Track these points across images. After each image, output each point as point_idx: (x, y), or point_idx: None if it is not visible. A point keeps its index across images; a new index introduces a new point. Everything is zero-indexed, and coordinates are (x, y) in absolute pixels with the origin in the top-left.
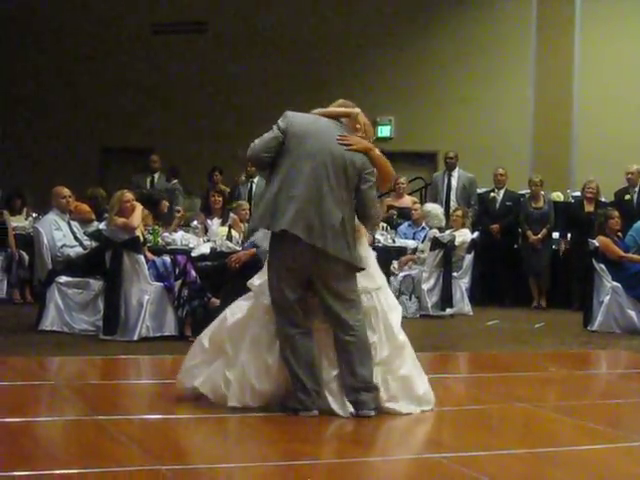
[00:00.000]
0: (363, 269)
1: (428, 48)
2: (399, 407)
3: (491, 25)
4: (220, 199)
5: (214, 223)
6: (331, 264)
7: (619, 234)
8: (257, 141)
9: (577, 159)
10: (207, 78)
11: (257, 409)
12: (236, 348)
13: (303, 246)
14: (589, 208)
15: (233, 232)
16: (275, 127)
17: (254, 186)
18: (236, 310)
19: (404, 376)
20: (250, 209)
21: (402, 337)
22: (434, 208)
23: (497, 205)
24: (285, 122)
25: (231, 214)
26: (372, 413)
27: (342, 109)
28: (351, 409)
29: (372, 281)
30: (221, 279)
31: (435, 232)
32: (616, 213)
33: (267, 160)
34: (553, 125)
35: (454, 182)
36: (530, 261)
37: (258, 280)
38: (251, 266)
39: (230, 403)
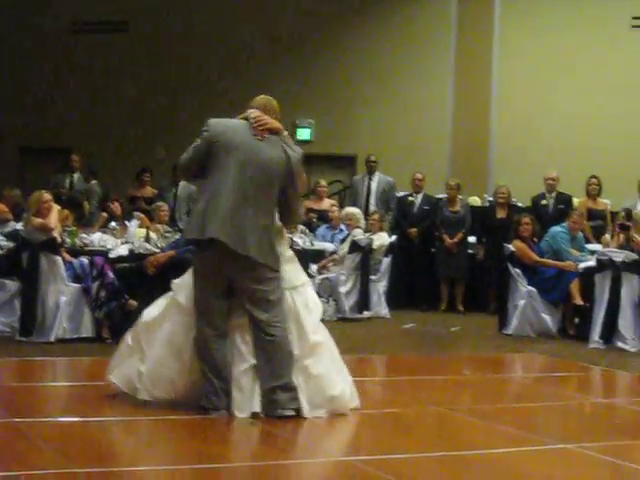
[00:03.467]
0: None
1: (348, 51)
2: (310, 408)
3: (411, 28)
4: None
5: (132, 225)
6: (255, 269)
7: (534, 239)
8: (184, 154)
9: (495, 164)
10: (128, 78)
11: (172, 411)
12: (150, 344)
13: (228, 252)
14: (501, 213)
15: (151, 234)
16: (200, 139)
17: (179, 189)
18: (154, 307)
19: (317, 375)
20: (173, 211)
21: (317, 337)
22: (355, 211)
23: (415, 209)
24: (210, 131)
25: (135, 213)
26: (288, 413)
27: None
28: (257, 409)
29: (295, 278)
30: (139, 281)
31: (359, 232)
32: (527, 219)
33: (195, 172)
34: (471, 130)
35: (374, 185)
36: (446, 265)
37: (178, 280)
38: (169, 268)
39: (140, 396)
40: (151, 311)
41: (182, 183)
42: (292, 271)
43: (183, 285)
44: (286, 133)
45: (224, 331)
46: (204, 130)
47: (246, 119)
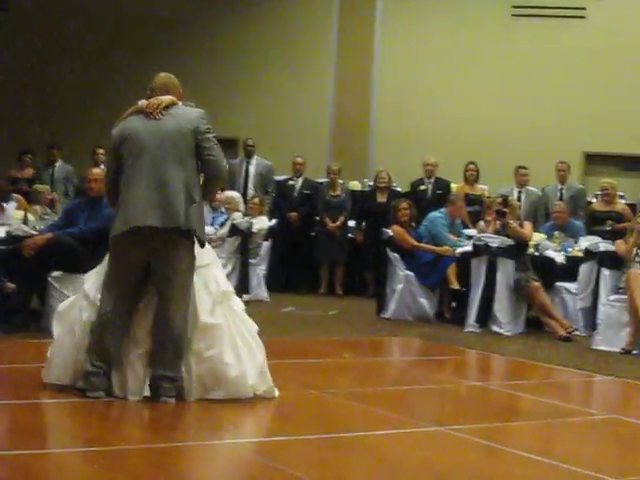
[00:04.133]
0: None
1: (230, 35)
2: (203, 390)
3: (293, 14)
4: None
5: (10, 206)
6: (172, 243)
7: (413, 224)
8: (105, 173)
9: (375, 149)
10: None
11: (60, 394)
12: (60, 330)
13: (153, 235)
14: (381, 198)
15: (29, 216)
16: (109, 154)
17: (56, 170)
18: (68, 299)
19: (209, 358)
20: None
21: (213, 319)
22: (235, 195)
23: (295, 193)
24: (113, 139)
25: (13, 195)
26: (171, 400)
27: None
28: (147, 393)
29: (199, 259)
30: (17, 263)
31: (239, 216)
32: (405, 204)
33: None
34: (352, 114)
35: (252, 169)
36: (325, 249)
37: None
38: (47, 250)
39: (44, 380)
40: (65, 299)
41: (59, 163)
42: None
43: (92, 273)
44: (181, 103)
45: (128, 312)
46: (111, 142)
47: (139, 111)
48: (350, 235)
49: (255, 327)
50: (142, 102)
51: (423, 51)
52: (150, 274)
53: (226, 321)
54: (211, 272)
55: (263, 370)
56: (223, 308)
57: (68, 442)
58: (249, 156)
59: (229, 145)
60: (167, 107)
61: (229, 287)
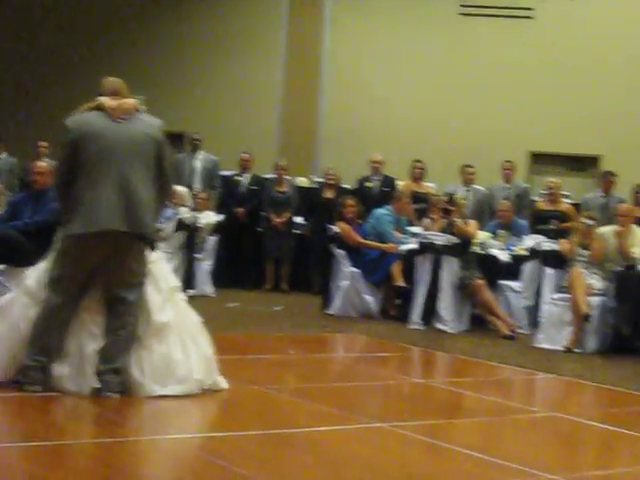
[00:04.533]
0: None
1: (178, 30)
2: (155, 387)
3: (242, 9)
4: None
5: None
6: (133, 248)
7: (359, 221)
8: (56, 166)
9: (323, 145)
10: None
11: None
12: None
13: (113, 236)
14: (328, 194)
15: None
16: (64, 144)
17: (1, 163)
18: (7, 295)
19: (161, 355)
20: None
21: (163, 317)
22: (182, 190)
23: (242, 188)
24: (71, 132)
25: None
26: (116, 395)
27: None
28: (97, 385)
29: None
30: None
31: (185, 211)
32: (351, 201)
33: (70, 176)
34: (300, 111)
35: (198, 164)
36: (272, 244)
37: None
38: None
39: None
40: (4, 297)
41: (3, 156)
42: None
43: (35, 269)
44: (143, 108)
45: (75, 308)
46: (66, 134)
47: (98, 108)
48: (297, 231)
49: (199, 319)
50: (104, 99)
51: (372, 49)
52: (100, 272)
53: (175, 317)
54: (159, 268)
55: (210, 362)
56: (172, 304)
57: (5, 437)
58: (195, 151)
59: (175, 140)
60: (128, 112)
61: (175, 281)
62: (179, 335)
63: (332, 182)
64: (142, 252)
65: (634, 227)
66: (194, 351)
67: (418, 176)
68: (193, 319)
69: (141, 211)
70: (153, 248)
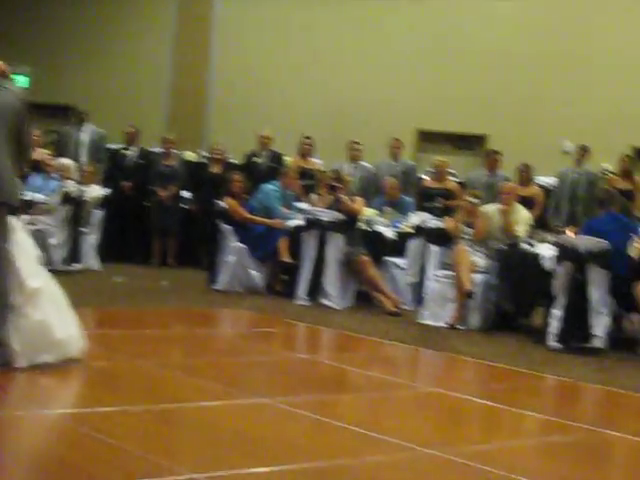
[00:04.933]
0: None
1: (67, 3)
2: (34, 354)
3: None
4: None
5: None
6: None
7: (245, 196)
8: None
9: (212, 120)
10: None
11: None
12: None
13: None
14: (216, 169)
15: None
16: None
17: None
18: None
19: (38, 321)
20: None
21: (35, 283)
22: (68, 162)
23: (129, 162)
24: None
25: None
26: None
27: None
28: None
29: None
30: None
31: (71, 184)
32: (238, 176)
33: None
34: (189, 85)
35: (84, 137)
36: (158, 219)
37: None
38: None
39: None
40: None
41: None
42: None
43: None
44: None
45: None
46: None
47: None
48: (184, 206)
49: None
50: None
51: (262, 24)
52: None
53: (46, 283)
54: (23, 236)
55: (80, 331)
56: (41, 271)
57: None
58: (81, 124)
59: (61, 111)
60: None
61: (36, 251)
62: (54, 301)
63: (218, 157)
64: (4, 218)
65: (517, 205)
66: (70, 317)
67: (306, 152)
68: (58, 289)
69: (4, 180)
70: (16, 216)
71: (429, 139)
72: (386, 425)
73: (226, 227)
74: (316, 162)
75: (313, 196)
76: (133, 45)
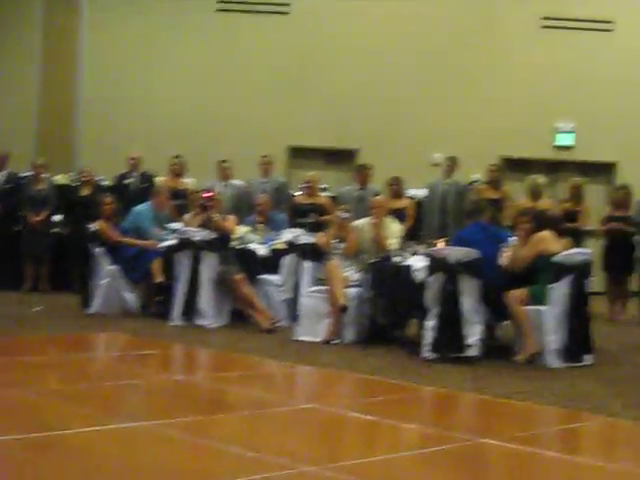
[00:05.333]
0: None
1: None
2: None
3: None
4: None
5: None
6: None
7: (117, 218)
8: None
9: (82, 142)
10: None
11: None
12: None
13: None
14: (85, 192)
15: None
16: None
17: None
18: None
19: None
20: None
21: None
22: None
23: None
24: None
25: None
26: None
27: None
28: None
29: None
30: None
31: None
32: (109, 199)
33: None
34: (58, 108)
35: None
36: (30, 244)
37: None
38: None
39: None
40: None
41: None
42: None
43: None
44: None
45: None
46: None
47: None
48: (56, 230)
49: None
50: None
51: (130, 46)
52: None
53: None
54: None
55: None
56: None
57: None
58: None
59: None
60: None
61: None
62: None
63: (87, 179)
64: None
65: (388, 219)
66: None
67: (177, 172)
68: None
69: None
70: None
71: (301, 155)
72: (264, 444)
73: (98, 250)
74: (188, 182)
75: (186, 216)
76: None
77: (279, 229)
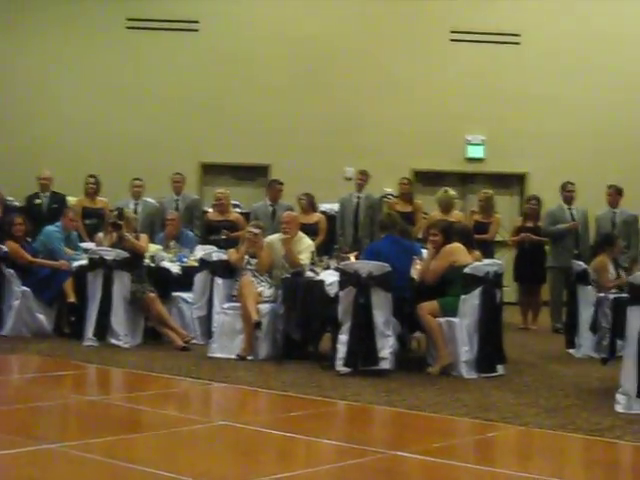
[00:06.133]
0: None
1: None
2: None
3: None
4: None
5: None
6: None
7: (28, 239)
8: None
9: None
10: None
11: None
12: None
13: None
14: None
15: None
16: None
17: None
18: None
19: None
20: None
21: None
22: None
23: None
24: None
25: None
26: None
27: None
28: None
29: None
30: None
31: None
32: (19, 219)
33: None
34: None
35: None
36: None
37: None
38: None
39: None
40: None
41: None
42: None
43: None
44: None
45: None
46: None
47: None
48: None
49: None
50: None
51: (44, 61)
52: None
53: None
54: None
55: None
56: None
57: None
58: None
59: None
60: None
61: None
62: None
63: None
64: None
65: (300, 234)
66: None
67: (91, 191)
68: None
69: None
70: None
71: (213, 172)
72: (179, 463)
73: (9, 271)
74: (102, 200)
75: (99, 235)
76: None
77: (189, 246)
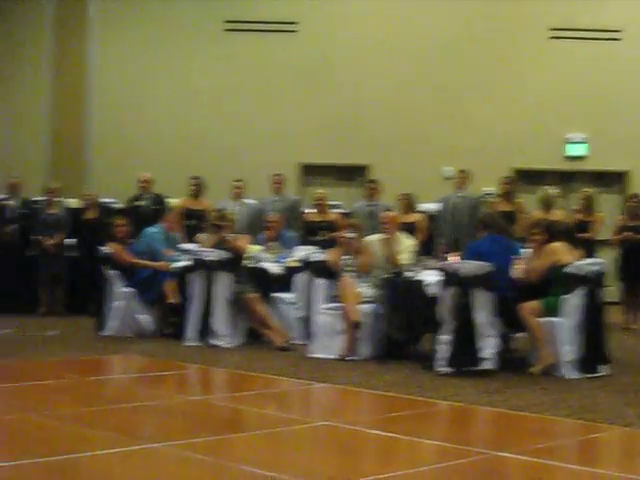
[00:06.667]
0: None
1: None
2: None
3: (5, 30)
4: None
5: None
6: None
7: (130, 240)
8: None
9: (94, 166)
10: None
11: None
12: None
13: None
14: (91, 215)
15: None
16: None
17: None
18: None
19: None
20: None
21: None
22: None
23: (11, 212)
24: None
25: None
26: None
27: None
28: None
29: None
30: None
31: None
32: (121, 221)
33: None
34: (70, 132)
35: None
36: (45, 268)
37: None
38: None
39: None
40: None
41: None
42: None
43: None
44: None
45: None
46: None
47: None
48: (72, 253)
49: None
50: None
51: (140, 68)
52: None
53: None
54: None
55: None
56: None
57: None
58: None
59: None
60: None
61: None
62: None
63: (90, 202)
64: None
65: (400, 234)
66: None
67: (194, 193)
68: None
69: None
70: None
71: (312, 172)
72: (282, 462)
73: (112, 272)
74: (204, 202)
75: (200, 236)
76: (8, 96)
77: (290, 247)
